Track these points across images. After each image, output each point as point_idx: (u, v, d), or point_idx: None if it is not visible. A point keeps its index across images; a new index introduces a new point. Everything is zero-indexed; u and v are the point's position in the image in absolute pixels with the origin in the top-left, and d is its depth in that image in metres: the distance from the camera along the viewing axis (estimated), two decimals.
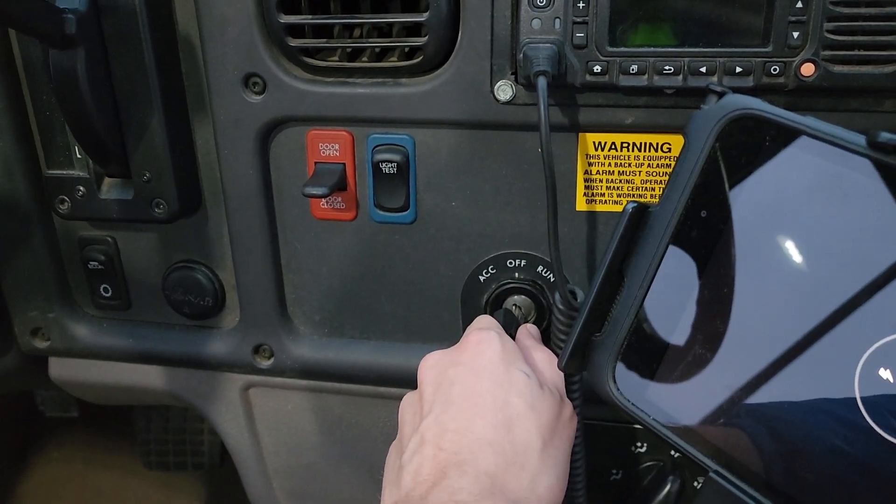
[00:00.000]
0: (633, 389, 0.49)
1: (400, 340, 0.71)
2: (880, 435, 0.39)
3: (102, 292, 0.75)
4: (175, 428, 1.33)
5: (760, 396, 0.45)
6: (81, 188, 0.68)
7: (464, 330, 0.69)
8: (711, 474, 0.45)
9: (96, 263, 0.73)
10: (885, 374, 0.39)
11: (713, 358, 0.46)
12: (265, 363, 0.74)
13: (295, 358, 0.73)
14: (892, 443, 0.39)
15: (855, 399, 0.40)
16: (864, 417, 0.40)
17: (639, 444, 0.72)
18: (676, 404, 0.48)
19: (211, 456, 1.35)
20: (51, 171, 0.68)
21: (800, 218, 0.44)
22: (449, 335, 0.70)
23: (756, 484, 0.44)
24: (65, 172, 0.68)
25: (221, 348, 0.74)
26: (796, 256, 0.43)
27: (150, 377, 0.79)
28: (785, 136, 0.44)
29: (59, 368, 0.82)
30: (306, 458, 0.79)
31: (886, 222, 0.40)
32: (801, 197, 0.44)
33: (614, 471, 0.73)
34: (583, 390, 0.62)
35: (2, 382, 0.84)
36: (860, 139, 0.40)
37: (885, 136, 0.39)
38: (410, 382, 0.72)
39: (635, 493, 0.72)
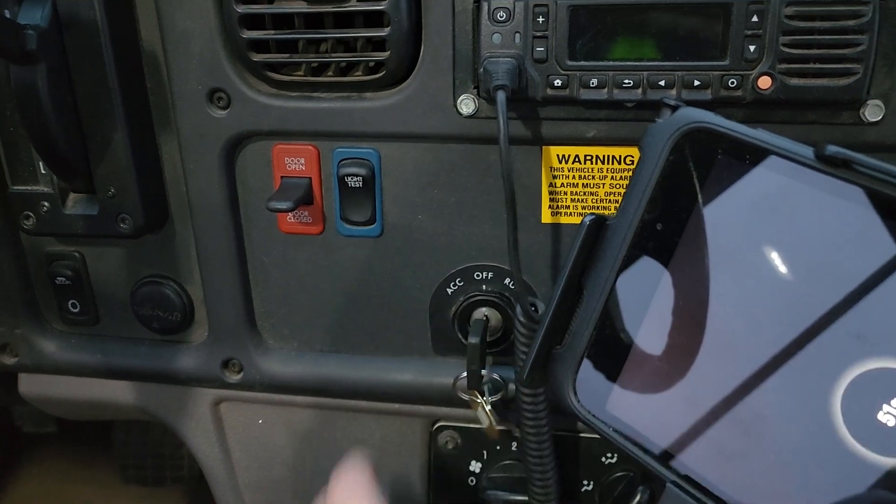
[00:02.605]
0: (593, 400, 0.50)
1: (369, 353, 0.71)
2: (854, 450, 0.39)
3: (70, 308, 0.75)
4: (154, 441, 1.32)
5: (718, 409, 0.45)
6: (46, 204, 0.67)
7: (432, 342, 0.70)
8: (669, 485, 0.46)
9: (64, 279, 0.73)
10: (857, 395, 0.40)
11: (672, 369, 0.46)
12: (234, 378, 0.74)
13: (264, 372, 0.73)
14: (869, 462, 0.39)
15: (829, 414, 0.40)
16: (838, 433, 0.40)
17: (609, 455, 0.72)
18: (636, 415, 0.48)
19: (191, 469, 1.35)
20: (15, 188, 0.68)
21: (753, 229, 0.44)
22: (418, 347, 0.70)
23: (713, 496, 0.44)
24: (29, 188, 0.68)
25: (190, 363, 0.74)
26: (751, 267, 0.44)
27: (119, 392, 0.79)
28: (737, 148, 0.44)
29: (29, 385, 0.81)
30: (277, 472, 0.78)
31: (835, 233, 0.41)
32: (754, 208, 0.44)
33: (585, 482, 0.73)
34: (549, 402, 0.62)
35: None
36: (808, 151, 0.41)
37: (832, 149, 0.39)
38: (380, 395, 0.72)
39: (607, 501, 0.72)
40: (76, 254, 0.72)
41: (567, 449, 0.72)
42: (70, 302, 0.74)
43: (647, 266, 0.48)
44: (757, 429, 0.43)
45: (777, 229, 0.43)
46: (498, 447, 0.74)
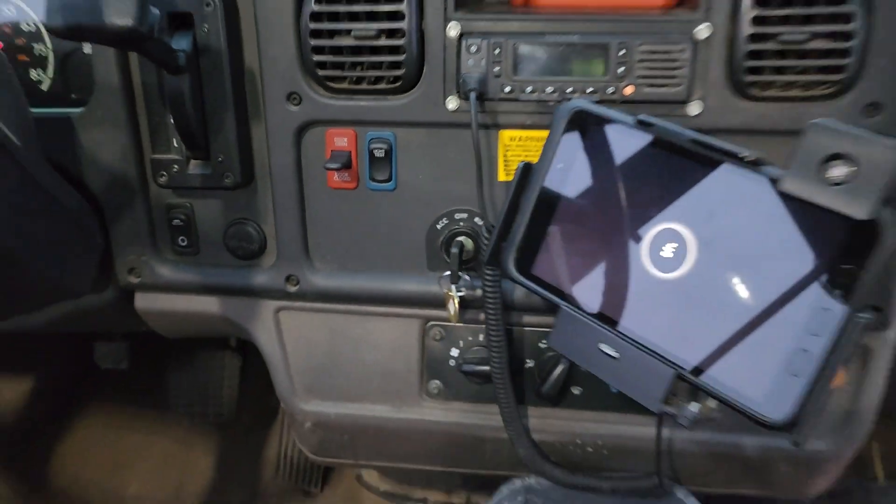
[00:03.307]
0: (523, 269, 0.85)
1: (383, 271, 1.06)
2: (652, 271, 0.75)
3: (180, 242, 1.09)
4: (200, 384, 1.66)
5: (587, 265, 0.80)
6: (176, 166, 1.02)
7: (427, 262, 1.04)
8: (563, 307, 0.81)
9: (178, 221, 1.07)
10: (659, 248, 0.76)
11: (567, 247, 0.82)
12: (293, 289, 1.08)
13: (313, 285, 1.07)
14: (655, 275, 0.75)
15: (644, 257, 0.76)
16: (644, 264, 0.76)
17: (543, 342, 1.07)
18: (549, 276, 0.84)
19: (229, 407, 1.68)
20: (155, 155, 1.03)
21: (607, 161, 0.80)
22: (417, 266, 1.04)
23: (588, 311, 0.79)
24: (165, 156, 1.03)
25: (263, 279, 1.08)
26: (605, 182, 0.80)
27: (209, 305, 1.13)
28: (599, 120, 0.80)
29: (143, 301, 1.15)
30: (317, 361, 1.12)
31: (644, 161, 0.77)
32: (609, 153, 0.80)
33: (528, 361, 1.07)
34: (500, 292, 0.97)
35: (98, 315, 1.17)
36: (632, 119, 0.77)
37: (642, 117, 0.76)
38: (390, 301, 1.07)
39: (542, 374, 1.06)
40: (188, 204, 1.07)
41: (517, 338, 1.07)
42: (180, 238, 1.09)
43: (553, 189, 0.84)
44: (609, 271, 0.78)
45: (618, 160, 0.79)
46: (470, 338, 1.08)
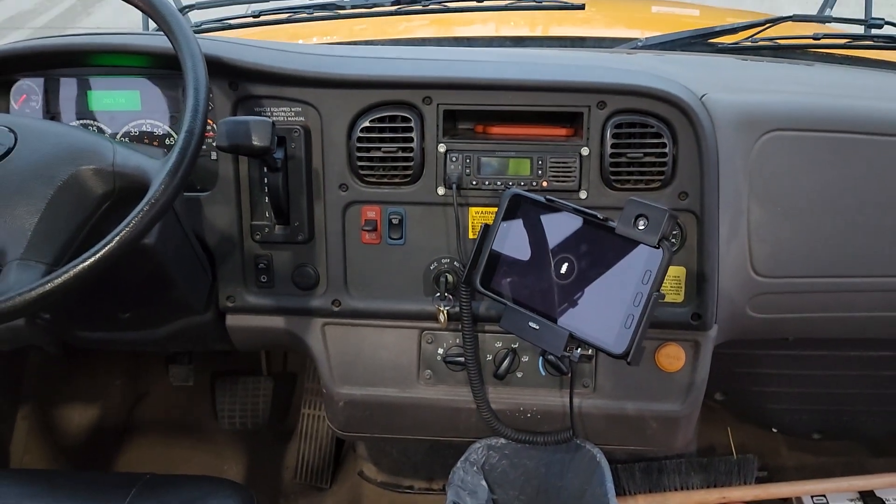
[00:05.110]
0: (485, 284, 1.46)
1: (395, 297, 1.64)
2: (555, 280, 1.37)
3: (262, 280, 1.66)
4: (241, 399, 2.19)
5: (519, 282, 1.42)
6: (267, 228, 1.61)
7: (423, 290, 1.64)
8: (509, 305, 1.42)
9: (262, 265, 1.65)
10: (559, 267, 1.38)
11: (509, 271, 1.44)
12: (336, 309, 1.65)
13: (350, 306, 1.65)
14: (557, 282, 1.36)
15: (551, 272, 1.38)
16: (552, 276, 1.37)
17: (499, 343, 1.66)
18: (501, 288, 1.45)
19: (263, 418, 2.21)
20: (254, 222, 1.62)
21: (532, 223, 1.43)
22: (416, 293, 1.63)
23: (522, 305, 1.40)
24: (260, 222, 1.62)
25: (316, 303, 1.66)
26: (531, 238, 1.42)
27: (278, 322, 1.69)
28: (526, 200, 1.44)
29: (233, 321, 1.70)
30: (349, 358, 1.68)
31: (549, 226, 1.40)
32: (533, 217, 1.43)
33: (488, 355, 1.66)
34: (471, 306, 1.57)
35: (197, 332, 1.73)
36: (542, 198, 1.41)
37: (548, 197, 1.40)
38: (399, 317, 1.66)
39: (497, 363, 1.65)
40: (269, 254, 1.65)
41: (480, 340, 1.66)
42: (262, 276, 1.66)
43: (501, 240, 1.46)
44: (533, 282, 1.40)
45: (537, 221, 1.42)
46: (450, 341, 1.67)
